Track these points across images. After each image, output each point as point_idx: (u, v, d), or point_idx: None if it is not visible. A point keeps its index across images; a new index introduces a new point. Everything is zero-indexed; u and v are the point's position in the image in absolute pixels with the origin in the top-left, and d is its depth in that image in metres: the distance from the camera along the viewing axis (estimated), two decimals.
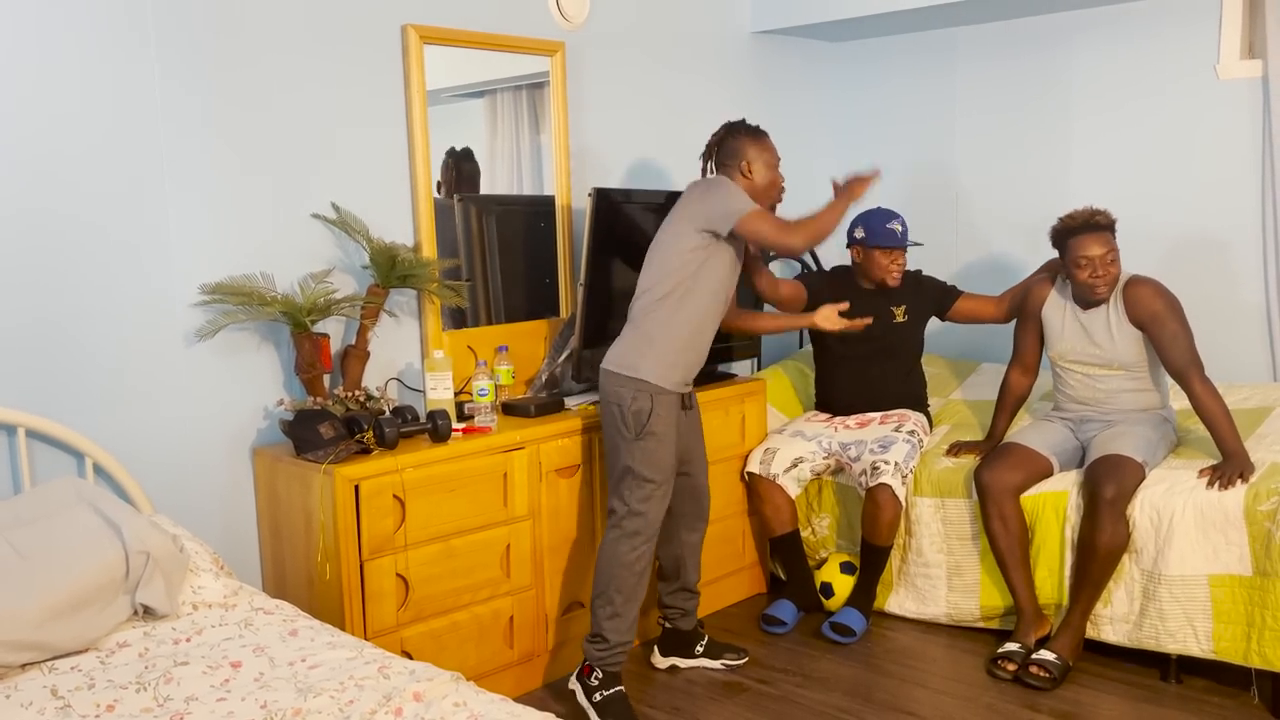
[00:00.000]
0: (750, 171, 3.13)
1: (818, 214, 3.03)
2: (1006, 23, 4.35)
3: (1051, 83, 4.27)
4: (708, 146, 3.21)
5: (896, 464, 3.52)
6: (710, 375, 3.87)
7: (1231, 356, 3.84)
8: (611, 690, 3.02)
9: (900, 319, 3.76)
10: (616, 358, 3.07)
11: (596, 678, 3.03)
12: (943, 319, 3.87)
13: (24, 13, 2.59)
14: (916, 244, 3.75)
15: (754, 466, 3.75)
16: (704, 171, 3.21)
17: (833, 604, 3.69)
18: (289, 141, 3.09)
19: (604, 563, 3.07)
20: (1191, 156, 3.97)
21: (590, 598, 3.12)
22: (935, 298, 3.83)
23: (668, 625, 3.40)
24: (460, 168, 3.38)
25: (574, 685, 3.09)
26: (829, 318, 3.44)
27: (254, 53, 2.99)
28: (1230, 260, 3.91)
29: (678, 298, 3.02)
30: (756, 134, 3.17)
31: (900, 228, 3.68)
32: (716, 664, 3.40)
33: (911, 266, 3.84)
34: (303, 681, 2.08)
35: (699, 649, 3.40)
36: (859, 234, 3.71)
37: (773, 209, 3.22)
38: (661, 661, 3.42)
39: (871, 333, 3.69)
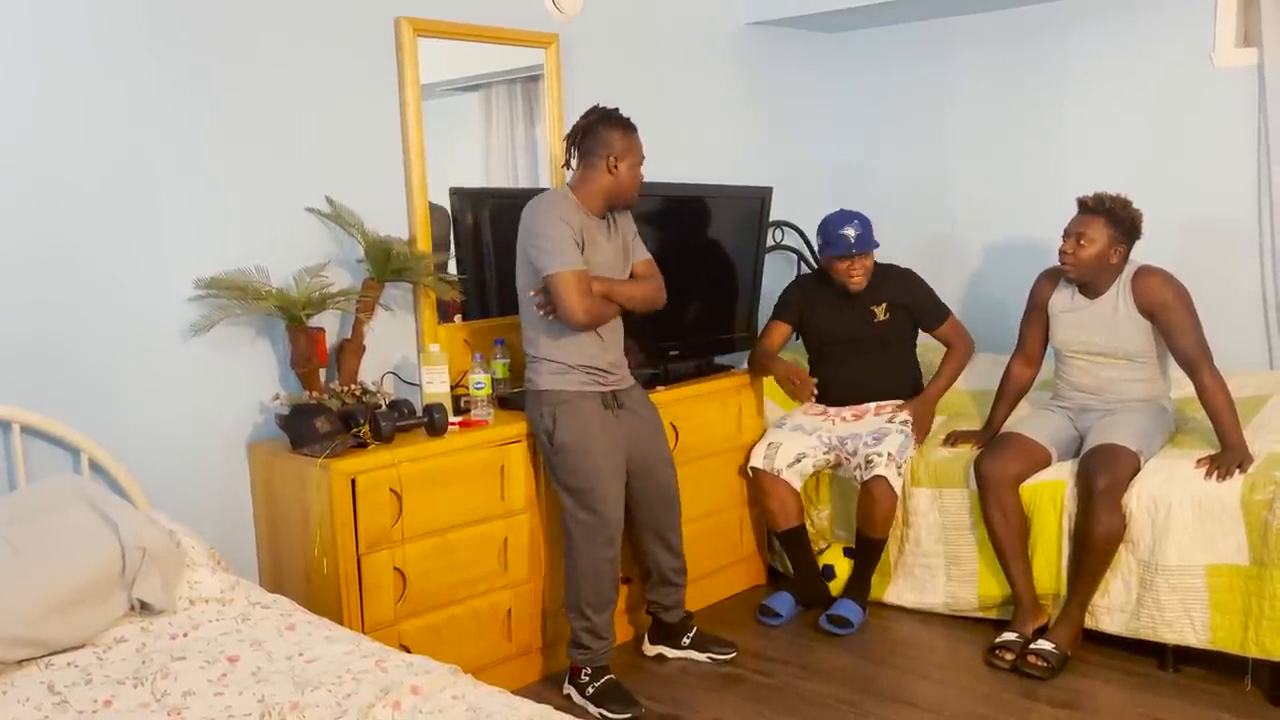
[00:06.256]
0: (616, 168, 3.02)
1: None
2: (1001, 12, 4.34)
3: (1046, 72, 4.26)
4: (574, 129, 3.06)
5: (891, 455, 3.52)
6: (707, 367, 3.87)
7: (1228, 344, 3.83)
8: (602, 680, 3.08)
9: (882, 318, 3.71)
10: (526, 375, 3.12)
11: (586, 674, 3.09)
12: (921, 330, 3.83)
13: (20, 11, 2.57)
14: (871, 245, 3.60)
15: (758, 461, 3.73)
16: (566, 153, 3.09)
17: (835, 586, 3.68)
18: (283, 135, 3.07)
19: (570, 572, 3.09)
20: (1187, 144, 3.96)
21: (564, 606, 3.14)
22: (920, 308, 3.76)
23: (655, 617, 3.43)
24: None
25: (568, 689, 3.13)
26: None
27: (247, 47, 2.98)
28: (1226, 248, 3.91)
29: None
30: (628, 129, 3.04)
31: (853, 232, 3.58)
32: (703, 656, 3.39)
33: (904, 263, 3.83)
34: (300, 676, 2.08)
35: (686, 640, 3.40)
36: (818, 242, 3.65)
37: (626, 207, 3.14)
38: (650, 650, 3.44)
39: (854, 333, 3.69)
